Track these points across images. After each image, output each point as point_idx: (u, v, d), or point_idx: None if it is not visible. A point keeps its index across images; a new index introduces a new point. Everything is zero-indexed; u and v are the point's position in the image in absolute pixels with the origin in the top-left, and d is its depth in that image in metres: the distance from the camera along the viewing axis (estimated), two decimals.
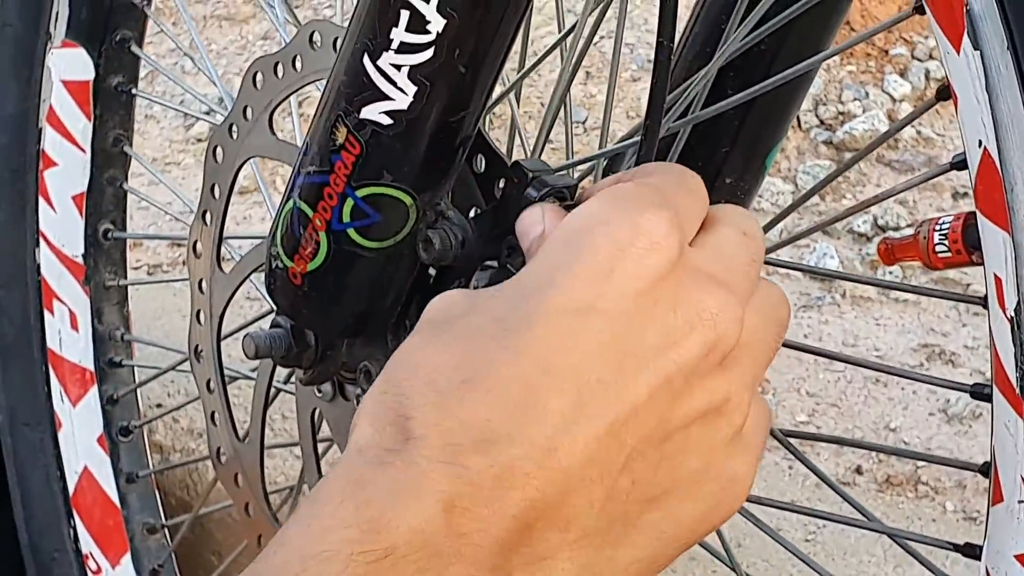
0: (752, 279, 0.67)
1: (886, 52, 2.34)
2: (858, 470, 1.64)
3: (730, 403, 0.64)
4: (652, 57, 0.87)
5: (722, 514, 0.66)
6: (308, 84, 0.97)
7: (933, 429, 1.72)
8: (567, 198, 0.79)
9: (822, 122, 2.22)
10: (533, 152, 0.94)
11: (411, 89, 0.80)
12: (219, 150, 1.05)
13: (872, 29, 0.79)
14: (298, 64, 0.97)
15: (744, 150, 0.99)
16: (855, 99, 2.25)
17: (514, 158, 1.00)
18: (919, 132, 2.23)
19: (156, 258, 2.08)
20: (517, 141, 1.04)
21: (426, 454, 0.59)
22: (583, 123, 2.12)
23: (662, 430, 0.62)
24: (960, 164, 0.72)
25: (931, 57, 2.32)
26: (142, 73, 1.98)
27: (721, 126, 0.98)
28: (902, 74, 2.31)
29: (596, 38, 0.93)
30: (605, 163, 0.97)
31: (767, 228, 0.99)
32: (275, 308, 0.94)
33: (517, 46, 1.09)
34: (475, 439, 0.59)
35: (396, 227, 0.85)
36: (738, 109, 0.97)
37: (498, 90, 0.99)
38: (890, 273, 1.78)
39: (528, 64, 1.00)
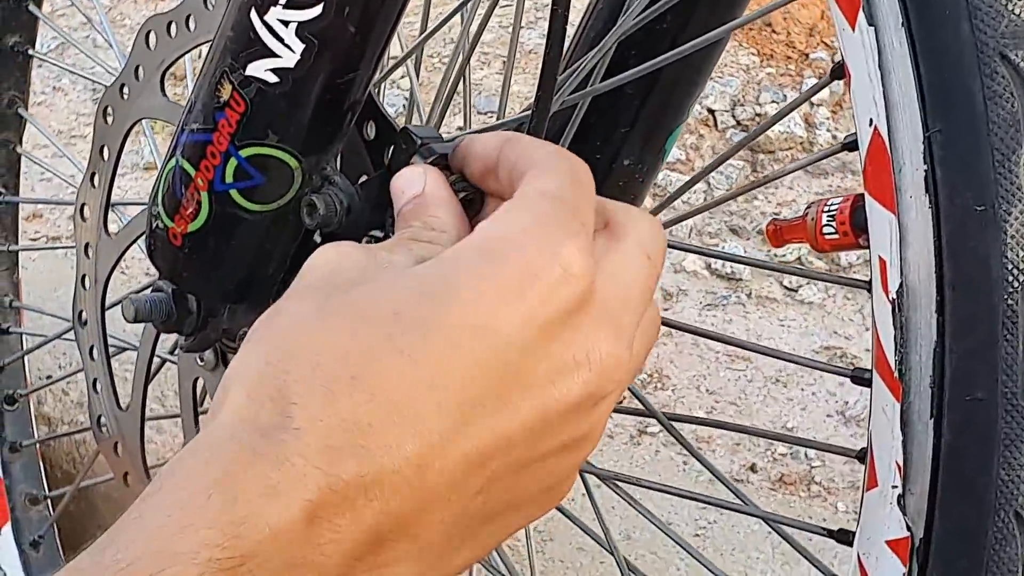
0: (643, 310, 0.65)
1: (806, 55, 2.34)
2: (752, 468, 1.63)
3: (587, 437, 0.63)
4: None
5: (539, 516, 0.66)
6: (202, 44, 0.94)
7: (830, 430, 1.71)
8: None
9: (738, 123, 2.21)
10: (428, 120, 0.92)
11: (298, 47, 0.77)
12: (109, 111, 1.03)
13: (767, 7, 0.78)
14: (191, 23, 0.94)
15: (644, 131, 0.97)
16: (773, 101, 2.25)
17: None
18: (834, 136, 2.23)
19: (56, 230, 2.04)
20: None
21: (303, 452, 0.57)
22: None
23: (525, 459, 0.61)
24: (852, 145, 0.71)
25: None
26: (53, 44, 1.95)
27: (621, 105, 0.96)
28: (821, 78, 2.31)
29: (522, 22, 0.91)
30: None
31: (670, 224, 0.97)
32: (157, 271, 0.92)
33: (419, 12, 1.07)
34: (353, 443, 0.57)
35: (280, 190, 0.82)
36: (638, 89, 0.96)
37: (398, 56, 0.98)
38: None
39: (429, 29, 0.98)
